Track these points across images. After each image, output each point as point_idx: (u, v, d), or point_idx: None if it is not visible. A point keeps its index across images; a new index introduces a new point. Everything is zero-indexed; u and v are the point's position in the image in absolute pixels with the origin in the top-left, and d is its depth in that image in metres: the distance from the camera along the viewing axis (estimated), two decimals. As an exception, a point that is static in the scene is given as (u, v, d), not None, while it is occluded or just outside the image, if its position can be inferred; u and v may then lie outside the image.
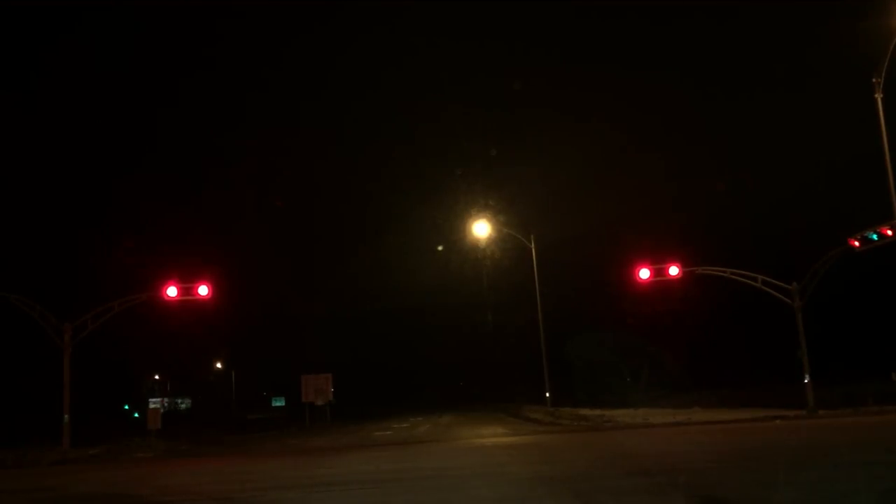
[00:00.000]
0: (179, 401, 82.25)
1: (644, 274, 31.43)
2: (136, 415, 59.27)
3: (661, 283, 32.29)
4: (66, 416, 27.53)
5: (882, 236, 25.69)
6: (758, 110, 64.38)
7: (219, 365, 77.91)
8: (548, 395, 39.76)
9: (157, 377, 72.27)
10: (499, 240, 43.03)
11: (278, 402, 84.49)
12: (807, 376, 29.60)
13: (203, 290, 29.14)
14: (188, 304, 30.45)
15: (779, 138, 58.74)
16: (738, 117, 64.61)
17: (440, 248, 57.52)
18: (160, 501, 12.64)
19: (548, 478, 12.74)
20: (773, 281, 30.85)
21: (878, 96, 24.20)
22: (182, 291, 29.19)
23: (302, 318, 79.62)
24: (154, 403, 52.90)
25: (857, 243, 26.92)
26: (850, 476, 11.14)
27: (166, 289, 29.11)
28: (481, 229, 39.96)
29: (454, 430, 31.67)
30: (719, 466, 13.35)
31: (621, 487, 11.01)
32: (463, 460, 17.28)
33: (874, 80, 24.20)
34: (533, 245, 38.93)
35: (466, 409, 64.84)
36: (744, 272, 31.74)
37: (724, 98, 63.83)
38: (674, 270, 31.30)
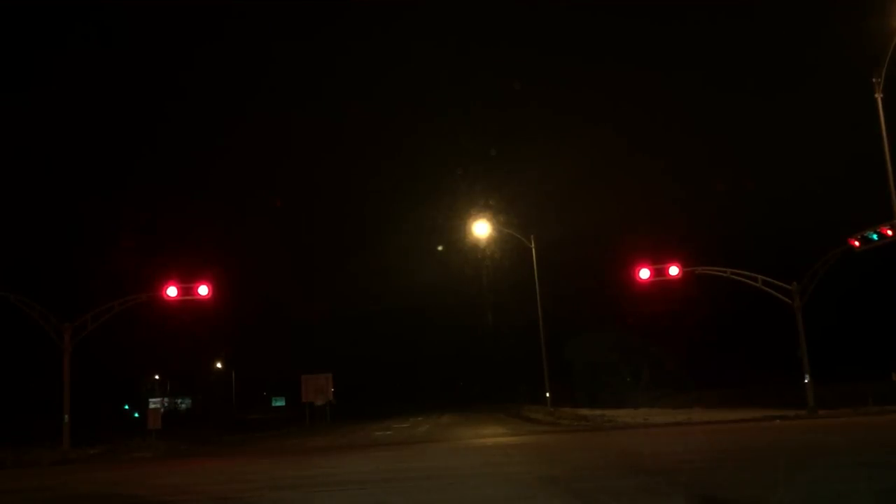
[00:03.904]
0: (179, 401, 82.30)
1: (644, 274, 31.44)
2: (136, 415, 59.29)
3: (661, 283, 32.30)
4: (66, 416, 27.53)
5: (882, 236, 25.70)
6: (758, 110, 64.50)
7: (219, 365, 77.90)
8: (548, 395, 39.74)
9: (157, 377, 72.29)
10: (499, 240, 43.05)
11: (278, 402, 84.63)
12: (807, 376, 29.62)
13: (203, 290, 29.14)
14: (188, 304, 30.47)
15: (779, 138, 58.83)
16: (738, 117, 64.69)
17: (440, 248, 57.64)
18: (160, 501, 12.64)
19: (548, 478, 12.74)
20: (773, 281, 30.85)
21: (878, 96, 24.17)
22: (182, 291, 29.19)
23: (302, 318, 79.69)
24: (154, 403, 53.03)
25: (857, 243, 26.93)
26: (849, 476, 11.14)
27: (166, 289, 29.11)
28: (481, 229, 39.96)
29: (454, 430, 31.67)
30: (719, 466, 13.35)
31: (621, 487, 11.01)
32: (463, 460, 17.28)
33: (874, 80, 24.17)
34: (533, 245, 38.91)
35: (466, 409, 64.78)
36: (744, 272, 31.74)
37: (724, 98, 63.96)
38: (674, 270, 31.31)
